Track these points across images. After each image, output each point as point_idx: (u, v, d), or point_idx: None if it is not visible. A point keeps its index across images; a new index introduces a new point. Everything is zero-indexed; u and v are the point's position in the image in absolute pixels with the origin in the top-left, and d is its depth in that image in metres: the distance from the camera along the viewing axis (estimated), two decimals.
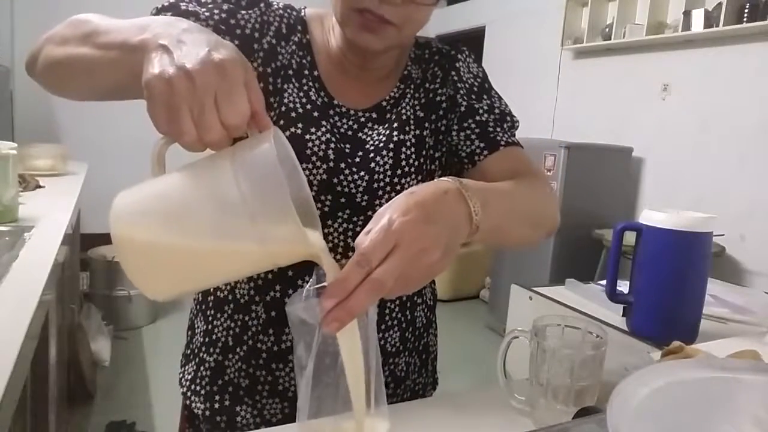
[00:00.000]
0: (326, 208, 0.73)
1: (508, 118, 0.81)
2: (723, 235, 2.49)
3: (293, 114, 0.72)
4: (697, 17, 2.97)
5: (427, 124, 0.79)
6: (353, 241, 0.62)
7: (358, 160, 0.74)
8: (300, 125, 0.71)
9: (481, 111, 0.79)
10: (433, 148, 0.79)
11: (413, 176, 0.76)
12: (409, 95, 0.79)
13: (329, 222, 0.73)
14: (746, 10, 2.76)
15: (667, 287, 0.95)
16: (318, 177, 0.72)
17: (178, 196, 0.44)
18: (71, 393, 2.27)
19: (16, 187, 1.49)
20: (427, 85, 0.81)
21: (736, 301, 1.22)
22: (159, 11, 0.68)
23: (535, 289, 1.26)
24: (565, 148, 3.17)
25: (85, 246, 3.17)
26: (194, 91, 0.42)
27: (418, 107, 0.79)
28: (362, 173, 0.74)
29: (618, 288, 1.01)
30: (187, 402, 0.83)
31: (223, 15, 0.69)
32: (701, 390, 0.43)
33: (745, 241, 2.83)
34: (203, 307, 0.82)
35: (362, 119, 0.77)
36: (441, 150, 0.81)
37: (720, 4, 2.86)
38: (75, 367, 2.31)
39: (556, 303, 1.18)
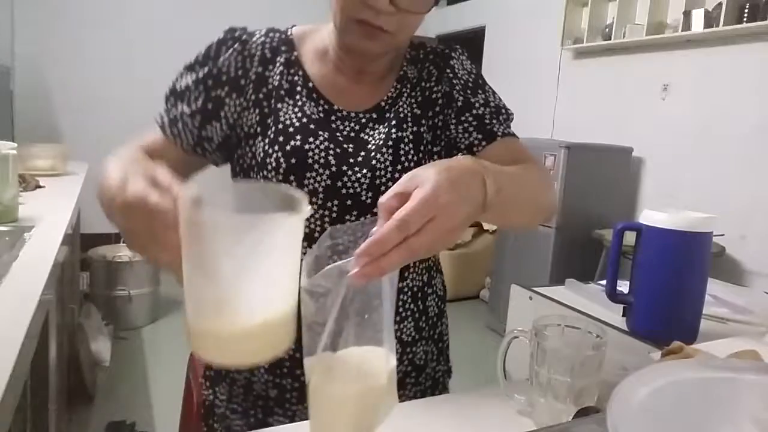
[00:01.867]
0: (334, 214, 0.76)
1: (503, 111, 0.85)
2: (723, 235, 2.49)
3: (291, 129, 0.76)
4: (697, 17, 2.97)
5: (424, 121, 0.82)
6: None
7: (360, 159, 0.77)
8: (298, 137, 0.75)
9: (477, 105, 0.83)
10: (431, 143, 0.82)
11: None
12: (405, 94, 0.83)
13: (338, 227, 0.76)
14: (746, 10, 2.75)
15: (667, 287, 0.95)
16: (323, 183, 0.76)
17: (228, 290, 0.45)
18: (71, 393, 2.27)
19: (16, 187, 1.49)
20: (423, 83, 0.84)
21: (736, 301, 1.21)
22: (167, 96, 0.81)
23: (535, 289, 1.25)
24: (565, 148, 3.17)
25: (85, 246, 3.17)
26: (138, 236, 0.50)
27: (414, 105, 0.82)
28: (364, 171, 0.77)
29: (618, 288, 1.01)
30: (227, 421, 0.85)
31: (206, 70, 0.78)
32: (701, 390, 0.43)
33: (746, 241, 2.83)
34: None
35: (363, 120, 0.80)
36: (440, 144, 0.84)
37: (720, 4, 2.86)
38: (75, 367, 2.31)
39: (556, 303, 1.18)
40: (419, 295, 0.85)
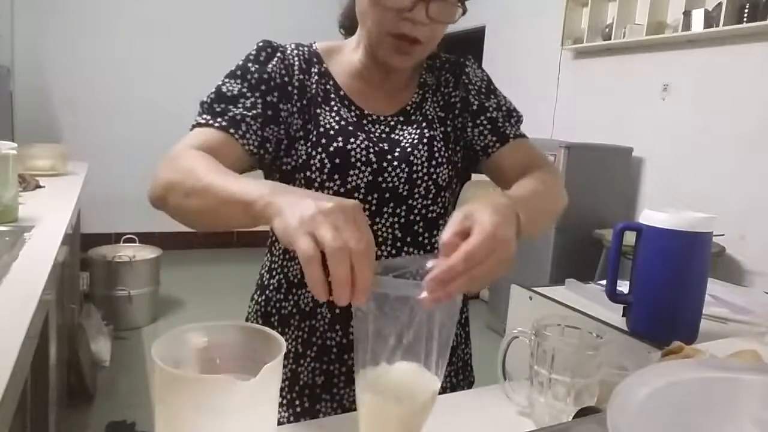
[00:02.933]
0: (373, 207, 0.82)
1: (514, 114, 0.93)
2: (723, 235, 2.49)
3: (331, 132, 0.82)
4: (697, 17, 2.97)
5: (448, 122, 0.90)
6: (399, 233, 0.84)
7: (397, 154, 0.83)
8: (340, 138, 0.81)
9: (491, 109, 0.90)
10: (454, 142, 0.90)
11: (444, 166, 0.86)
12: (429, 99, 0.90)
13: (377, 219, 0.83)
14: (746, 10, 2.75)
15: (667, 287, 0.95)
16: (364, 180, 0.81)
17: None
18: (71, 393, 2.27)
19: (16, 187, 1.49)
20: (443, 89, 0.92)
21: (736, 301, 1.22)
22: (211, 103, 0.79)
23: (535, 289, 1.26)
24: (565, 148, 3.16)
25: (85, 246, 3.17)
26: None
27: (438, 109, 0.90)
28: (403, 166, 0.83)
29: (618, 288, 1.01)
30: None
31: (257, 77, 0.81)
32: (701, 390, 0.43)
33: (746, 241, 2.83)
34: (267, 327, 0.88)
35: (392, 123, 0.87)
36: (460, 144, 0.91)
37: (720, 4, 2.86)
38: (75, 367, 2.31)
39: (556, 303, 1.18)
40: None
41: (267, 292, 0.90)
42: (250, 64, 0.82)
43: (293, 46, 0.87)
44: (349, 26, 0.92)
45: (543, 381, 0.66)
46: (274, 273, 0.89)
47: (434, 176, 0.85)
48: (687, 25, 3.03)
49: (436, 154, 0.85)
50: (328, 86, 0.86)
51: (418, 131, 0.86)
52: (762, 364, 0.72)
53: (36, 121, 4.21)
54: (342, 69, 0.88)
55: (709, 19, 2.92)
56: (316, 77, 0.86)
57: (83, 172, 2.63)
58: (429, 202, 0.85)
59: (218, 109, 0.79)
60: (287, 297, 0.86)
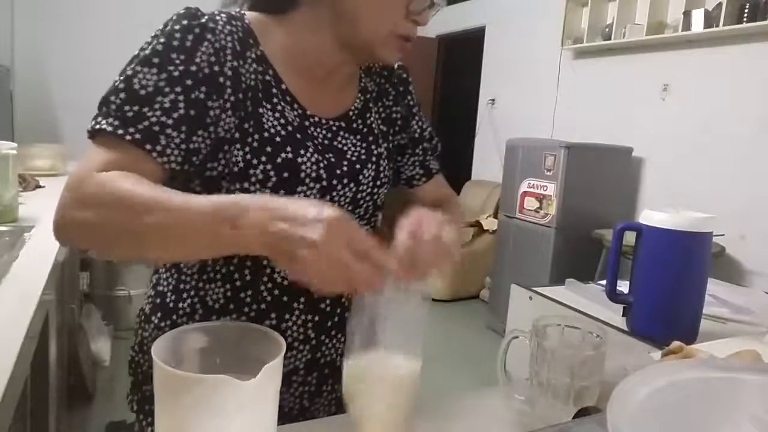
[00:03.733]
0: None
1: (438, 147, 0.92)
2: (723, 235, 2.49)
3: (277, 138, 0.70)
4: (697, 17, 2.97)
5: (390, 137, 0.86)
6: None
7: (345, 170, 0.76)
8: (288, 149, 0.70)
9: (426, 138, 0.89)
10: (391, 160, 0.85)
11: (385, 187, 0.82)
12: (372, 109, 0.84)
13: None
14: (746, 10, 2.75)
15: (667, 287, 0.95)
16: (312, 197, 0.73)
17: None
18: (71, 393, 2.27)
19: (16, 187, 1.49)
20: (384, 100, 0.86)
21: (736, 301, 1.22)
22: (121, 104, 0.64)
23: (535, 289, 1.26)
24: (565, 148, 3.16)
25: None
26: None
27: (380, 122, 0.84)
28: (351, 185, 0.77)
29: (618, 288, 1.01)
30: None
31: (182, 69, 0.65)
32: (701, 390, 0.43)
33: (746, 241, 2.83)
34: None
35: (334, 128, 0.78)
36: (392, 164, 0.87)
37: (720, 4, 2.85)
38: (75, 367, 2.31)
39: (556, 303, 1.18)
40: None
41: (174, 316, 0.77)
42: (173, 54, 0.64)
43: (224, 19, 0.70)
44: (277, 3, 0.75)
45: (543, 381, 0.66)
46: (184, 295, 0.76)
47: (375, 197, 0.81)
48: (687, 25, 3.03)
49: (381, 174, 0.80)
50: (267, 77, 0.72)
51: (364, 145, 0.79)
52: (762, 364, 0.72)
53: (36, 121, 4.21)
54: (280, 54, 0.74)
55: (709, 19, 2.92)
56: (253, 65, 0.71)
57: None
58: (365, 222, 0.82)
59: (130, 114, 0.63)
60: None
